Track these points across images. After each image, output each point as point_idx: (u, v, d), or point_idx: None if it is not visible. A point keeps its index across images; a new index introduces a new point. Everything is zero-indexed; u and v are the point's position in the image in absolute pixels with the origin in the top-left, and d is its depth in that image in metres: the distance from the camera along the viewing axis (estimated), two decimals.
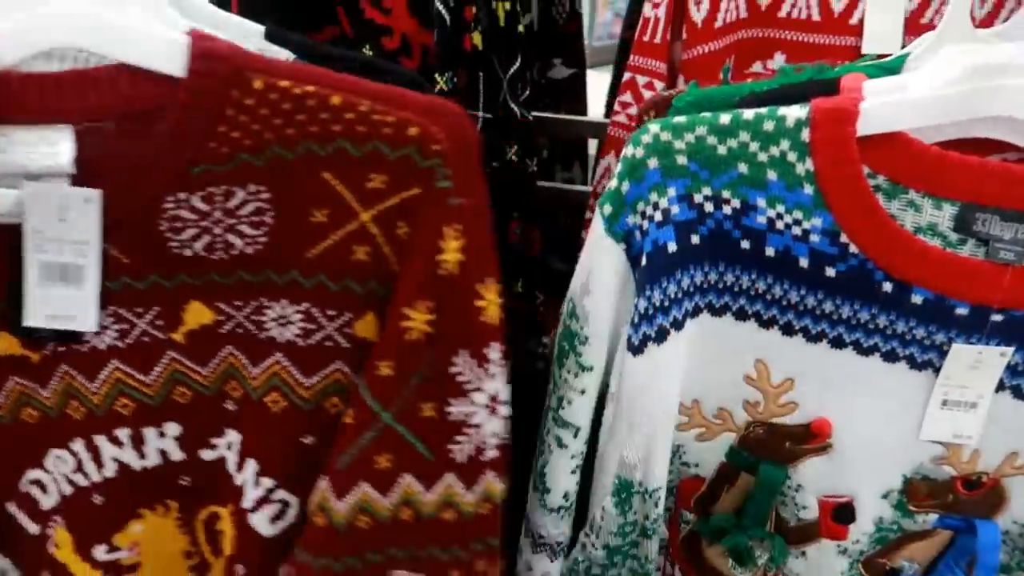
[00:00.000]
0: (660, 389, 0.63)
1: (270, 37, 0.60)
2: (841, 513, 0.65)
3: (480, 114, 0.80)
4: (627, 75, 0.91)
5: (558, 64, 1.10)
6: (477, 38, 0.76)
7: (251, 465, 0.58)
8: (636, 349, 0.61)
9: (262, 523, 0.58)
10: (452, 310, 0.51)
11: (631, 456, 0.65)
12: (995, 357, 0.59)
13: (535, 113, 0.92)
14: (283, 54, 0.59)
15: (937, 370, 0.60)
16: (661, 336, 0.61)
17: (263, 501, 0.58)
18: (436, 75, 0.74)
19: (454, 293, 0.51)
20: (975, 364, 0.59)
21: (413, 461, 0.53)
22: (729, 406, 0.66)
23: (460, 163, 0.52)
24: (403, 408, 0.52)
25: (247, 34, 0.59)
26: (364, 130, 0.51)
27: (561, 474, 0.69)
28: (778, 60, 0.89)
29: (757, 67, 0.89)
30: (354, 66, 0.55)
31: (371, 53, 0.77)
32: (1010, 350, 0.58)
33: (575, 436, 0.68)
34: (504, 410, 0.54)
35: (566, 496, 0.70)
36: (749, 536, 0.67)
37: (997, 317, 0.57)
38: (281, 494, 0.58)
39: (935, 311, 0.58)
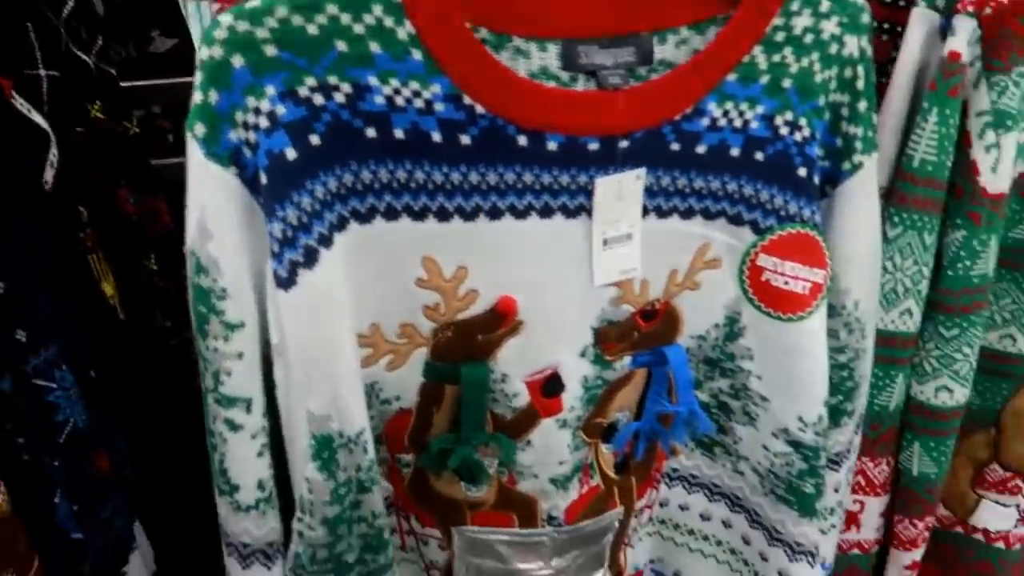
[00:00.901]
0: (328, 318, 0.54)
1: None
2: (550, 386, 0.63)
3: (43, 72, 0.63)
4: None
5: (157, 36, 0.94)
6: None
7: None
8: (287, 282, 0.52)
9: None
10: None
11: (319, 407, 0.55)
12: (632, 181, 0.60)
13: (139, 82, 0.77)
14: None
15: (590, 212, 0.60)
16: (311, 258, 0.52)
17: None
18: None
19: None
20: (619, 195, 0.60)
21: None
22: (410, 319, 0.59)
23: None
24: None
25: None
26: None
27: (247, 462, 0.58)
28: None
29: None
30: None
31: None
32: (643, 171, 0.60)
33: (248, 411, 0.56)
34: None
35: (261, 485, 0.59)
36: (474, 446, 0.63)
37: (624, 143, 0.58)
38: None
39: (571, 153, 0.57)
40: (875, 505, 0.84)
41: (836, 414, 0.72)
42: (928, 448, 0.79)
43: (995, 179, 0.69)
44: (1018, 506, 0.88)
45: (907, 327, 0.74)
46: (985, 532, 0.90)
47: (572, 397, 0.64)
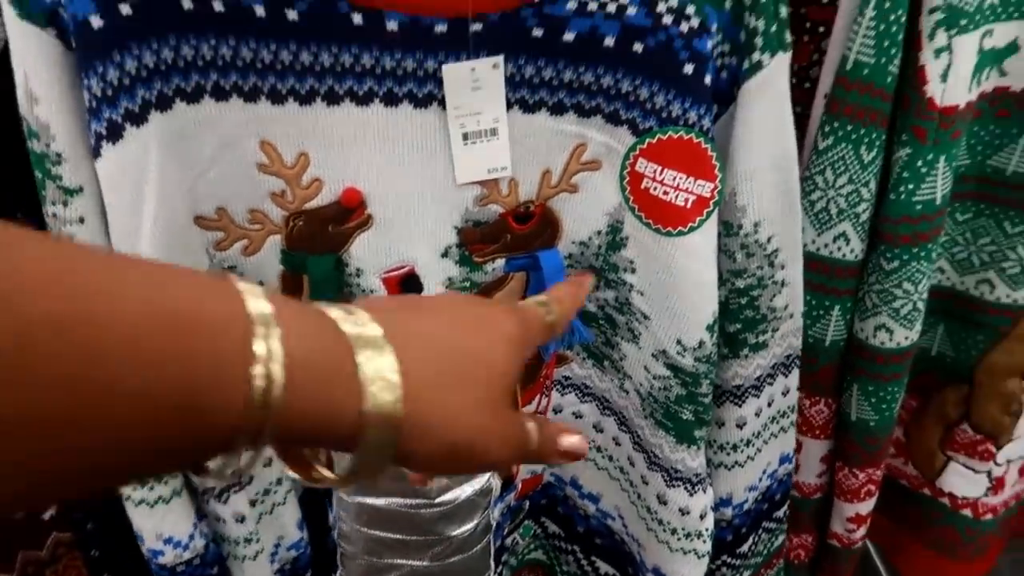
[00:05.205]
0: (127, 197, 0.54)
1: None
2: (407, 285, 0.62)
3: None
4: None
5: None
6: None
7: None
8: (95, 151, 0.52)
9: None
10: None
11: None
12: (489, 71, 0.56)
13: None
14: None
15: (443, 102, 0.56)
16: (114, 133, 0.52)
17: None
18: None
19: None
20: (475, 84, 0.56)
21: None
22: (259, 205, 0.59)
23: None
24: None
25: None
26: None
27: None
28: None
29: None
30: None
31: None
32: (500, 59, 0.55)
33: None
34: None
35: None
36: None
37: (476, 27, 0.54)
38: None
39: (415, 36, 0.53)
40: (815, 448, 0.78)
41: (734, 344, 0.65)
42: (866, 392, 0.71)
43: (946, 89, 0.59)
44: (989, 473, 0.79)
45: (843, 254, 0.66)
46: (951, 497, 0.81)
47: None
